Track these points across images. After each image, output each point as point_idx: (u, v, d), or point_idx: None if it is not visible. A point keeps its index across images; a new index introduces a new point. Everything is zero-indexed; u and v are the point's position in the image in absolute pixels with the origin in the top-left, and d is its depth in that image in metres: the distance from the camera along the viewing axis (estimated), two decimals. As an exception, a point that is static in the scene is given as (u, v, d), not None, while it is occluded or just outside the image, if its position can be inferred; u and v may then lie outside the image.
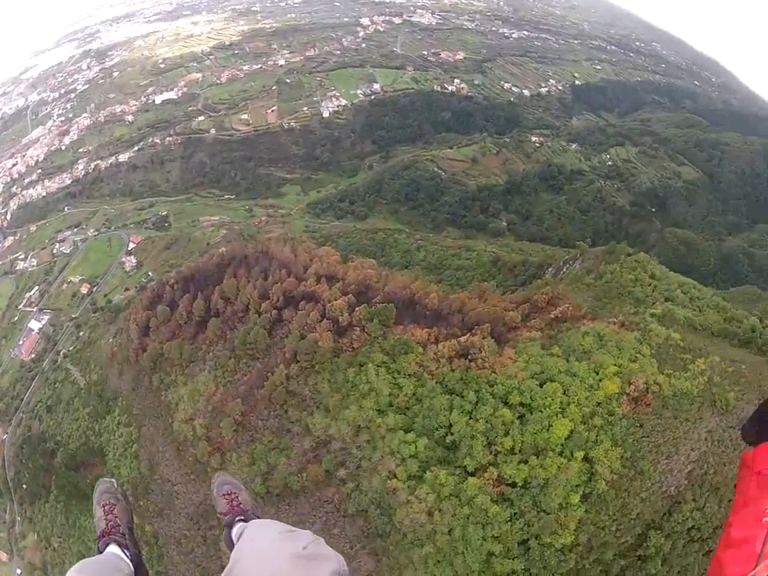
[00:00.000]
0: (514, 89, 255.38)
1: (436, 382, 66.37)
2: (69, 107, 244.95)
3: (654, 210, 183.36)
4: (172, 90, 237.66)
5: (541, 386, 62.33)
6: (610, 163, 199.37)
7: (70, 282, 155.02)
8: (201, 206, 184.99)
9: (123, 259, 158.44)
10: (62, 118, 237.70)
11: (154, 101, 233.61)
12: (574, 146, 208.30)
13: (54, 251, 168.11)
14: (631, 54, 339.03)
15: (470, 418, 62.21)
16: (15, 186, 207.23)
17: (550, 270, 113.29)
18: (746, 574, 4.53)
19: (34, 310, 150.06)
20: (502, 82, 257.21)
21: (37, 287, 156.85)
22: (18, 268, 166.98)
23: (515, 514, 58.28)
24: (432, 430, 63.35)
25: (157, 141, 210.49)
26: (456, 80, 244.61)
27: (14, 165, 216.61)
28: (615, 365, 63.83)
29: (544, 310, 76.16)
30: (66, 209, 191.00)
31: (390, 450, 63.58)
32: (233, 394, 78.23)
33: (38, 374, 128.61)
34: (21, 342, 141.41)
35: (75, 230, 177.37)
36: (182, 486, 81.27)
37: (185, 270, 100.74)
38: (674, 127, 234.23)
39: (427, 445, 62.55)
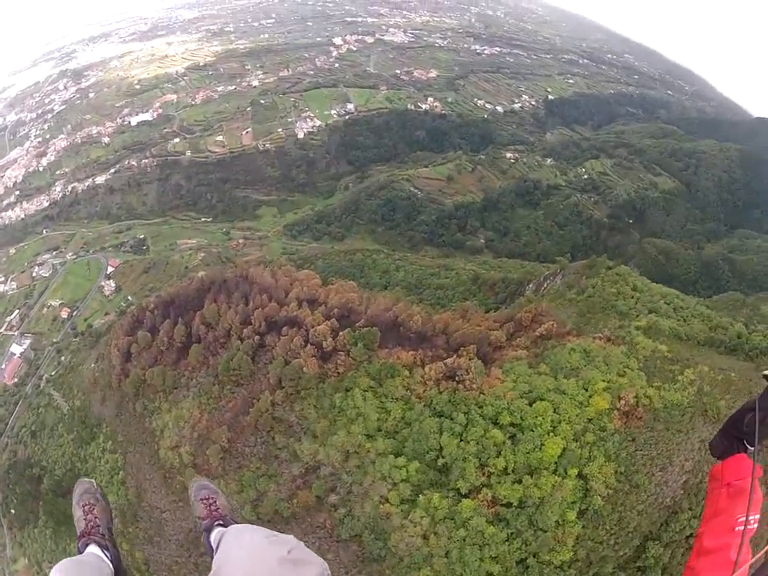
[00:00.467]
0: (487, 105, 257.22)
1: (424, 405, 65.91)
2: (46, 128, 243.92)
3: (631, 221, 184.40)
4: (147, 111, 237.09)
5: (530, 405, 62.08)
6: (585, 177, 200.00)
7: (50, 306, 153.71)
8: (178, 229, 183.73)
9: (102, 283, 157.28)
10: (40, 139, 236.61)
11: (129, 122, 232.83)
12: (549, 160, 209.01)
13: (34, 274, 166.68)
14: (603, 67, 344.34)
15: (461, 441, 61.69)
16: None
17: (530, 286, 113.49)
18: None
19: (16, 333, 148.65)
20: (476, 99, 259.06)
21: (17, 311, 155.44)
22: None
23: (512, 533, 57.87)
24: (423, 453, 62.80)
25: (133, 163, 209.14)
26: (429, 98, 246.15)
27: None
28: (604, 380, 63.86)
29: (528, 328, 76.09)
30: (44, 231, 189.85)
31: (381, 475, 62.89)
32: (218, 421, 77.37)
33: (21, 398, 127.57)
34: (3, 366, 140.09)
35: (54, 253, 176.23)
36: (171, 513, 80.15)
37: (164, 294, 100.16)
38: (648, 138, 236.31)
39: (419, 468, 61.99)
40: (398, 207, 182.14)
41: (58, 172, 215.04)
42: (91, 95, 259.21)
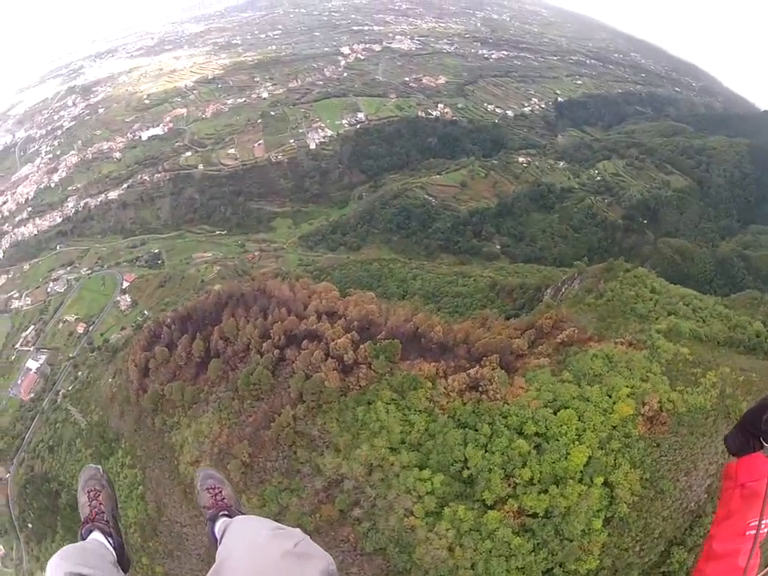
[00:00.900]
0: (497, 110, 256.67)
1: (448, 417, 65.60)
2: (56, 144, 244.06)
3: (645, 221, 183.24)
4: (158, 125, 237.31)
5: (555, 414, 61.70)
6: (598, 178, 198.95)
7: (66, 322, 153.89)
8: (193, 243, 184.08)
9: (118, 298, 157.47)
10: (50, 155, 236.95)
11: (140, 137, 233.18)
12: (561, 163, 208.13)
13: (49, 290, 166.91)
14: (610, 66, 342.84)
15: (486, 451, 61.37)
16: (6, 224, 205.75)
17: (548, 291, 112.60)
18: None
19: (32, 349, 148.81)
20: (485, 104, 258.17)
21: (33, 326, 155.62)
22: (12, 307, 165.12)
23: (538, 544, 57.61)
24: (447, 465, 62.49)
25: (146, 178, 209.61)
26: (439, 105, 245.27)
27: (4, 202, 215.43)
28: (627, 386, 63.47)
29: (550, 335, 75.55)
30: (58, 247, 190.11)
31: (405, 488, 62.56)
32: (239, 436, 77.11)
33: (37, 413, 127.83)
34: (19, 382, 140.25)
35: (68, 268, 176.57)
36: (191, 528, 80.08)
37: (181, 309, 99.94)
38: (658, 136, 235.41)
39: (443, 480, 61.66)
40: (412, 215, 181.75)
41: (69, 188, 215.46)
42: (101, 111, 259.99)
